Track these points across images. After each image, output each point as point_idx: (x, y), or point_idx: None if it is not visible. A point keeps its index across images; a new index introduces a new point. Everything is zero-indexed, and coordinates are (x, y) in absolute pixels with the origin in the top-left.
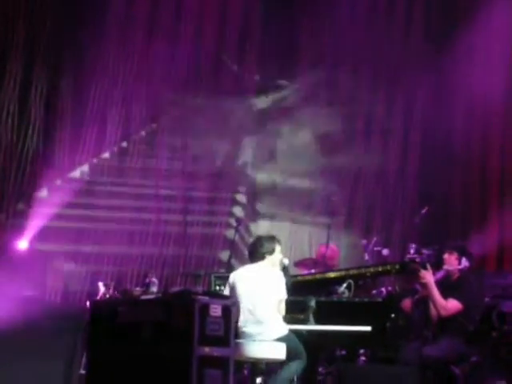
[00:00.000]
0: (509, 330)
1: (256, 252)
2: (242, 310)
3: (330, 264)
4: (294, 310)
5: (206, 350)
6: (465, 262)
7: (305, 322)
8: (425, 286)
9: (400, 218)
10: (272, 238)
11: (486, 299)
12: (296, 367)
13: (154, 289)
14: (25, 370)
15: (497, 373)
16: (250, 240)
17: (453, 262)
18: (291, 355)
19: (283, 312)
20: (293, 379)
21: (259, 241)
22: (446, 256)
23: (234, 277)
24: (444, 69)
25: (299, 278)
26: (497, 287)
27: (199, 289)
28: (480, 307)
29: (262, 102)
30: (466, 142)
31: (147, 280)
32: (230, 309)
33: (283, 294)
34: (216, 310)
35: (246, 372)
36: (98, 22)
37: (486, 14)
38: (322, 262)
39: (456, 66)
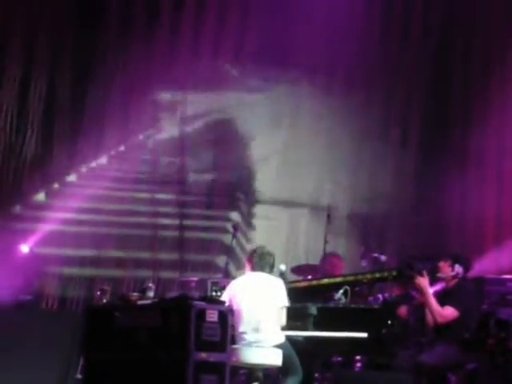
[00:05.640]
0: (506, 338)
1: (258, 262)
2: (241, 318)
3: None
4: (291, 317)
5: (203, 355)
6: (457, 269)
7: (302, 328)
8: (421, 292)
9: (398, 224)
10: (273, 254)
11: (484, 306)
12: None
13: (151, 294)
14: (21, 376)
15: (493, 381)
16: (248, 246)
17: (446, 270)
18: (287, 366)
19: (284, 320)
20: None
21: (262, 252)
22: (440, 264)
23: (235, 284)
24: None
25: (296, 285)
26: (495, 294)
27: (196, 294)
28: (477, 314)
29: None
30: None
31: (144, 285)
32: (227, 314)
33: (284, 302)
34: (212, 315)
35: (242, 378)
36: (100, 24)
37: None
38: (326, 271)
39: None
